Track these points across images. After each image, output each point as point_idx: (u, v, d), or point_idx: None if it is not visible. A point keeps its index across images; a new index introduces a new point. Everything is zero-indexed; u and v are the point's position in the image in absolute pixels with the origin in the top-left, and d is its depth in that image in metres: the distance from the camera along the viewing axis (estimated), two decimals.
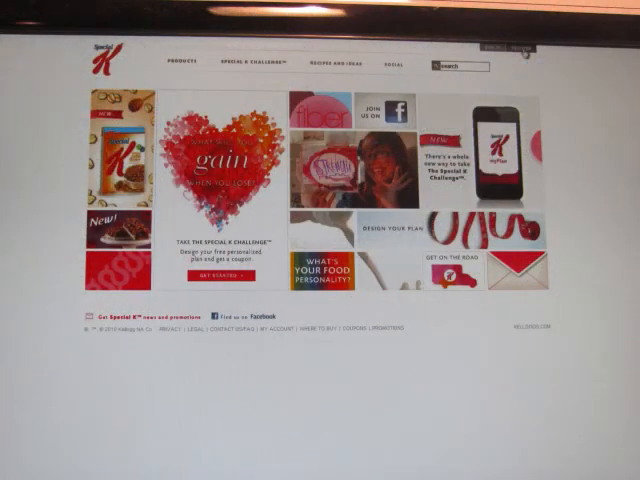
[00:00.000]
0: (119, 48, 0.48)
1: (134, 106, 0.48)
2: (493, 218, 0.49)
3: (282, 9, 0.49)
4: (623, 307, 0.48)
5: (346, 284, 0.47)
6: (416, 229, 0.48)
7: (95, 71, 0.48)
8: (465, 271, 0.48)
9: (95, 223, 0.46)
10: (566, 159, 0.49)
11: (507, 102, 0.50)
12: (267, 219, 0.47)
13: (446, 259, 0.48)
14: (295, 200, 0.48)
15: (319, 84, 0.49)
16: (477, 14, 0.50)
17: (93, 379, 0.45)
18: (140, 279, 0.46)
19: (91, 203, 0.47)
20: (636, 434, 0.47)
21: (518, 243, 0.48)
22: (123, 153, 0.47)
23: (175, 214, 0.47)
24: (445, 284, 0.48)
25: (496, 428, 0.46)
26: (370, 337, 0.46)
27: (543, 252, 0.48)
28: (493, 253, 0.48)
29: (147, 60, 0.48)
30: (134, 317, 0.46)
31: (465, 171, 0.49)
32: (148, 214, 0.47)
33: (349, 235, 0.48)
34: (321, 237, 0.47)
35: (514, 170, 0.49)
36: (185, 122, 0.48)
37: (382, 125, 0.49)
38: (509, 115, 0.50)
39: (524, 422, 0.47)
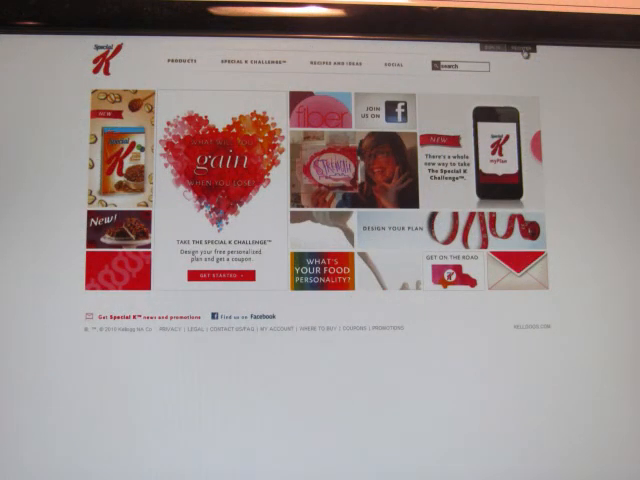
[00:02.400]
0: (119, 48, 0.48)
1: (134, 106, 0.48)
2: (493, 218, 0.49)
3: (282, 9, 0.49)
4: (623, 307, 0.48)
5: (346, 284, 0.47)
6: (416, 229, 0.48)
7: (95, 71, 0.48)
8: (465, 271, 0.48)
9: (95, 223, 0.46)
10: (566, 159, 0.49)
11: (507, 102, 0.50)
12: (267, 219, 0.47)
13: (446, 259, 0.48)
14: (295, 200, 0.48)
15: (319, 84, 0.49)
16: (477, 14, 0.50)
17: (93, 379, 0.45)
18: (140, 279, 0.46)
19: (91, 203, 0.47)
20: (636, 434, 0.47)
21: (518, 243, 0.48)
22: (123, 153, 0.47)
23: (175, 214, 0.47)
24: (445, 284, 0.48)
25: (496, 428, 0.46)
26: (370, 337, 0.46)
27: (543, 252, 0.48)
28: (493, 253, 0.48)
29: (147, 60, 0.48)
30: (134, 317, 0.46)
31: (465, 171, 0.49)
32: (148, 214, 0.47)
33: (349, 235, 0.48)
34: (321, 237, 0.47)
35: (514, 170, 0.49)
36: (185, 122, 0.48)
37: (382, 125, 0.49)
38: (509, 115, 0.50)
39: (524, 422, 0.47)
